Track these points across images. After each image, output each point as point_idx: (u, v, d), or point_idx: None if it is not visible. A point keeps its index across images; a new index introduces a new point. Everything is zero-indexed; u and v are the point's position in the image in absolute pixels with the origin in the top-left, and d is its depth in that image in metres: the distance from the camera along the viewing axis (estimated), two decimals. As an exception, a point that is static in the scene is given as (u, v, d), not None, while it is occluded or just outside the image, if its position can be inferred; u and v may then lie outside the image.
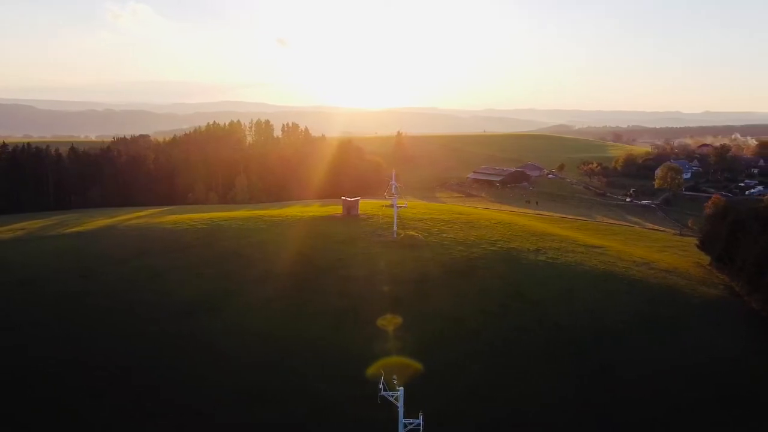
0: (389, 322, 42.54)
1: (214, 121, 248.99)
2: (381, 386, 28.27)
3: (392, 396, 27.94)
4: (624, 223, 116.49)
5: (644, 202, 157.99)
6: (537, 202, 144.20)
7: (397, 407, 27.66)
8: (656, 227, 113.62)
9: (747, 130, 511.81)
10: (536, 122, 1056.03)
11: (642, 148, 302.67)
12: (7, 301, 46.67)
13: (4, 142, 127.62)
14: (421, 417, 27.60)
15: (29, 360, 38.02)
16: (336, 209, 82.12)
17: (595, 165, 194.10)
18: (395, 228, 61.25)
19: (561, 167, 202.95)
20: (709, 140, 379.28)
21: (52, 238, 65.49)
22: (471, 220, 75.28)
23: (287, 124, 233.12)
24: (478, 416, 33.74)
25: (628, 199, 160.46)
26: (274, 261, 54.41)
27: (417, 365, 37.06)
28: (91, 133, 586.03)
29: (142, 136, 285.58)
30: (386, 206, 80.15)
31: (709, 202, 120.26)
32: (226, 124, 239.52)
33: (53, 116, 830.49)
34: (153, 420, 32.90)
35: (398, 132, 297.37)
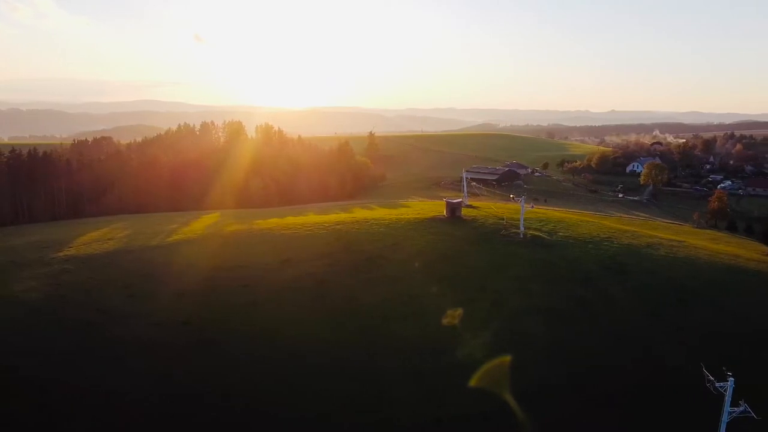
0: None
1: (185, 123, 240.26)
2: (708, 376, 30.26)
3: (722, 387, 29.99)
4: (642, 218, 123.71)
5: (636, 197, 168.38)
6: (546, 200, 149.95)
7: (725, 398, 29.83)
8: (674, 221, 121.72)
9: (660, 128, 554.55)
10: (461, 121, 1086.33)
11: (604, 147, 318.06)
12: (183, 312, 44.81)
13: (13, 147, 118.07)
14: (743, 404, 29.75)
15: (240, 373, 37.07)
16: (396, 211, 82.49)
17: (578, 163, 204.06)
18: (522, 228, 62.98)
19: (545, 165, 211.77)
20: (633, 138, 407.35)
21: (161, 248, 62.28)
22: (557, 219, 78.01)
23: (260, 126, 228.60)
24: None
25: (620, 195, 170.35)
26: (429, 263, 54.67)
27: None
28: (2, 135, 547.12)
29: (104, 138, 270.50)
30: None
31: (714, 197, 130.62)
32: (196, 126, 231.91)
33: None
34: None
35: (371, 132, 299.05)
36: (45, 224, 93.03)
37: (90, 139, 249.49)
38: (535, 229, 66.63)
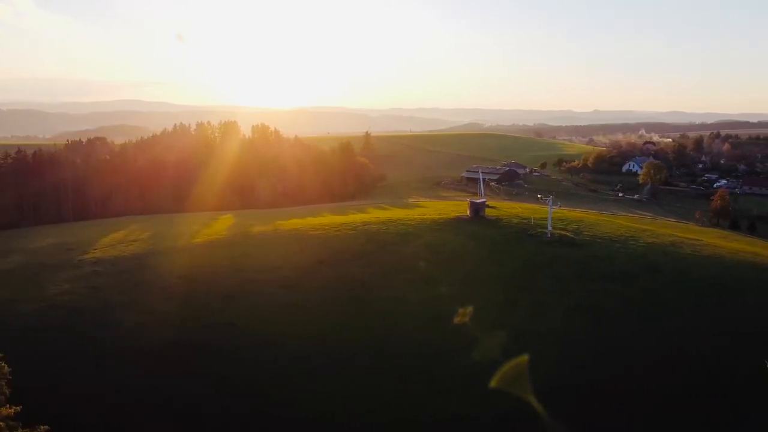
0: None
1: (181, 123, 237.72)
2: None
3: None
4: (648, 216, 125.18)
5: (636, 196, 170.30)
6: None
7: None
8: (678, 220, 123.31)
9: (645, 127, 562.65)
10: (446, 121, 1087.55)
11: (597, 147, 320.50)
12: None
13: (18, 148, 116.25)
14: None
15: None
16: (415, 211, 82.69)
17: (576, 163, 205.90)
18: (549, 228, 63.48)
19: (543, 165, 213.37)
20: (620, 137, 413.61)
21: (189, 249, 61.78)
22: (576, 218, 78.62)
23: (257, 125, 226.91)
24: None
25: (620, 194, 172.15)
26: (467, 264, 54.88)
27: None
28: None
29: (98, 138, 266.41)
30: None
31: (716, 196, 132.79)
32: (191, 126, 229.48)
33: None
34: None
35: (366, 132, 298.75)
36: (57, 226, 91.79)
37: (80, 139, 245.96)
38: (560, 229, 67.14)
